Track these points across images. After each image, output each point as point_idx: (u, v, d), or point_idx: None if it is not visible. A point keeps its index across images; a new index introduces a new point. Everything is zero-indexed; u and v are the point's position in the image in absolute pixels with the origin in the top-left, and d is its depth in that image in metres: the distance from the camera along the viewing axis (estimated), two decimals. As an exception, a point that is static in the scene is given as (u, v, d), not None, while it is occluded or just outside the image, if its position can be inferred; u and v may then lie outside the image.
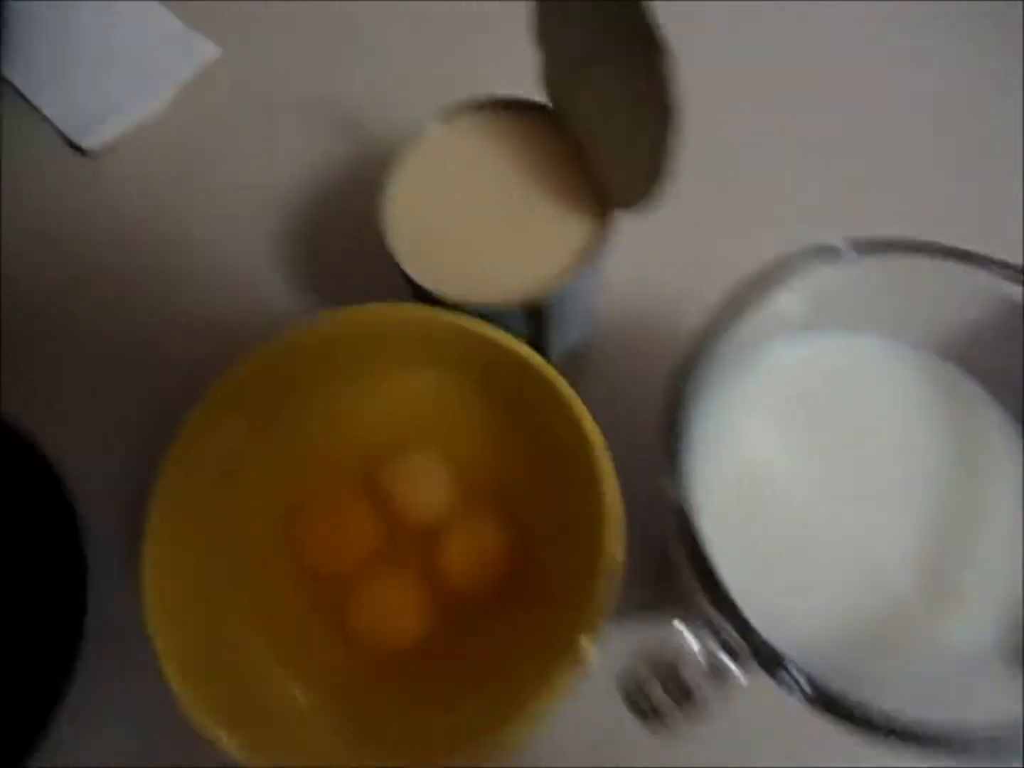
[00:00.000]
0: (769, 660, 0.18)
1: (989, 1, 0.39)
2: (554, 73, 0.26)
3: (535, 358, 0.26)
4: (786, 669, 0.17)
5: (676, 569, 0.19)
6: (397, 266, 0.25)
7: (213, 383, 0.26)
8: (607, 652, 0.23)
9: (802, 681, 0.17)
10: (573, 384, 0.26)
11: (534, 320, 0.26)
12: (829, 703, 0.17)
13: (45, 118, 0.37)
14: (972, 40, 0.39)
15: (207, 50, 0.39)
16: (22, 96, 0.38)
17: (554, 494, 0.27)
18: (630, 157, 0.24)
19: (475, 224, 0.26)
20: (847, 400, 0.24)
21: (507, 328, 0.26)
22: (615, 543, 0.23)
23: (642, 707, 0.20)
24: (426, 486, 0.29)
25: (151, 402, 0.33)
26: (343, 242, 0.35)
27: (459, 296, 0.25)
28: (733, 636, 0.18)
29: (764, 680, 0.18)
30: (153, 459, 0.25)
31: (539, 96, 0.27)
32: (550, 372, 0.26)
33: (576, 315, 0.28)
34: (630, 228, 0.27)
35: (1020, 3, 0.39)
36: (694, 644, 0.19)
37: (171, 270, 0.35)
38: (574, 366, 0.32)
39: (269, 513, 0.28)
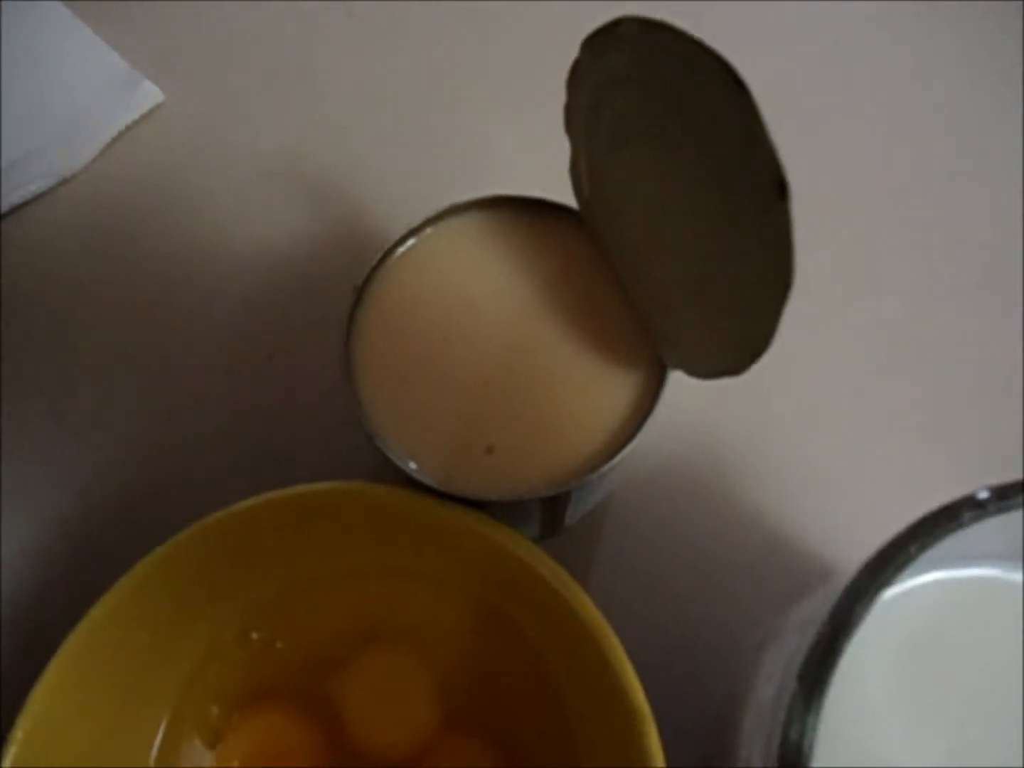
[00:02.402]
0: None
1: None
2: (588, 165, 0.19)
3: (562, 585, 0.19)
4: None
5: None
6: (363, 429, 0.18)
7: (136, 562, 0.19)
8: None
9: None
10: (588, 548, 0.22)
11: (548, 505, 0.19)
12: None
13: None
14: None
15: (150, 95, 0.31)
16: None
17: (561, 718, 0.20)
18: (699, 303, 0.16)
19: (474, 376, 0.18)
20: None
21: (512, 515, 0.19)
22: None
23: None
24: (397, 707, 0.21)
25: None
26: (292, 383, 0.27)
27: (448, 484, 0.18)
28: None
29: None
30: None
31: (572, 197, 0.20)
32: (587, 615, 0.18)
33: (606, 484, 0.21)
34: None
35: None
36: None
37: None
38: (588, 526, 0.25)
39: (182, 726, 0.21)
